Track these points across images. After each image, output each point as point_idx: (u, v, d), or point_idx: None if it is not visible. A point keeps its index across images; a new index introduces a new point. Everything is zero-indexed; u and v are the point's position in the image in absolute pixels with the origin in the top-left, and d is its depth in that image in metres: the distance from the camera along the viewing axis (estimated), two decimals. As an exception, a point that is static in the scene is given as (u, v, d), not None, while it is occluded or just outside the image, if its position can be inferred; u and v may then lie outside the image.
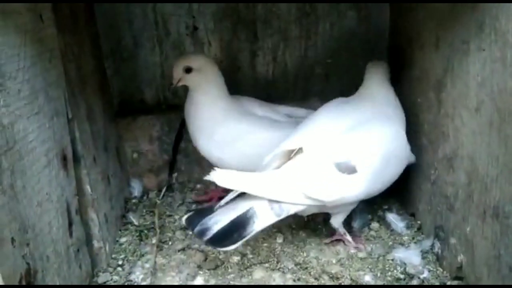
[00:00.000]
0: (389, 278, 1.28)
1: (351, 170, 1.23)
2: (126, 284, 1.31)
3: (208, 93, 1.53)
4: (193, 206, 1.71)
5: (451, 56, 1.17)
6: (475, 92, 1.06)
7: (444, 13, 1.18)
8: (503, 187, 0.97)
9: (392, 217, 1.53)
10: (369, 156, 1.25)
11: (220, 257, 1.39)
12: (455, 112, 1.17)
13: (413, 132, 1.48)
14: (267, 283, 1.28)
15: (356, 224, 1.51)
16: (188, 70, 1.52)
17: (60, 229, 1.11)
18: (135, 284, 1.31)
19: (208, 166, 1.48)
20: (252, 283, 1.29)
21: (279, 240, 1.46)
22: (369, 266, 1.33)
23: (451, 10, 1.14)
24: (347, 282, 1.28)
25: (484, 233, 1.07)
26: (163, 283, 1.30)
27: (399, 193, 1.67)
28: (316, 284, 1.27)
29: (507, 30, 0.90)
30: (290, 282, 1.28)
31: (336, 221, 1.40)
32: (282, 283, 1.28)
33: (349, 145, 1.26)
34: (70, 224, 1.18)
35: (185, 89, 1.60)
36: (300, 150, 1.27)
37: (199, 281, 1.30)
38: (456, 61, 1.14)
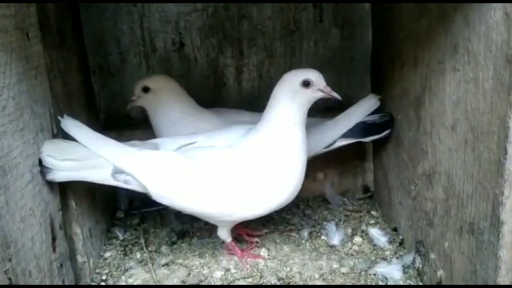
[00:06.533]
0: (370, 293, 1.30)
1: None
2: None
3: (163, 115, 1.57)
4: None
5: (428, 75, 1.20)
6: (451, 111, 1.09)
7: (421, 34, 1.22)
8: (477, 204, 1.00)
9: (375, 232, 1.55)
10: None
11: (204, 272, 1.40)
12: (433, 130, 1.20)
13: (395, 147, 1.51)
14: (250, 298, 1.30)
15: (335, 241, 1.53)
16: (146, 89, 1.56)
17: (43, 244, 1.12)
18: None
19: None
20: (235, 298, 1.30)
21: (263, 254, 1.48)
22: (352, 281, 1.35)
23: (427, 31, 1.18)
24: (329, 296, 1.29)
25: (461, 248, 1.09)
26: (146, 298, 1.31)
27: (382, 208, 1.70)
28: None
29: (478, 52, 0.94)
30: (272, 297, 1.30)
31: (221, 233, 1.43)
32: (264, 298, 1.29)
33: None
34: (54, 239, 1.19)
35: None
36: None
37: (182, 296, 1.31)
38: (433, 80, 1.17)
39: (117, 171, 1.25)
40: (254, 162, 1.28)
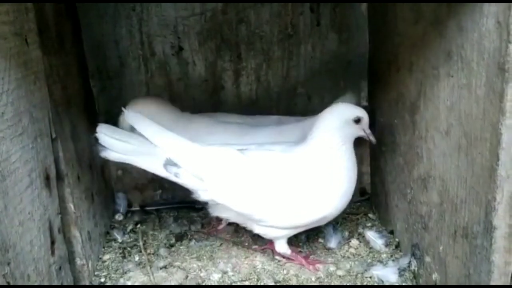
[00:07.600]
0: (366, 296, 1.31)
1: None
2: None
3: None
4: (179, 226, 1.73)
5: (423, 80, 1.21)
6: (445, 116, 1.10)
7: (416, 39, 1.23)
8: (471, 208, 1.01)
9: (371, 235, 1.56)
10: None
11: (201, 274, 1.41)
12: (428, 135, 1.21)
13: (391, 151, 1.52)
14: (246, 301, 1.31)
15: (332, 244, 1.54)
16: None
17: (42, 248, 1.13)
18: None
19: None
20: (232, 301, 1.31)
21: (260, 257, 1.49)
22: (348, 284, 1.36)
23: (422, 37, 1.19)
24: (325, 299, 1.30)
25: (455, 252, 1.10)
26: (144, 301, 1.32)
27: (379, 211, 1.71)
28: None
29: (471, 59, 0.95)
30: (269, 300, 1.31)
31: (279, 246, 1.44)
32: (261, 301, 1.30)
33: None
34: (53, 243, 1.20)
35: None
36: None
37: (179, 298, 1.32)
38: (428, 86, 1.18)
39: (169, 163, 1.28)
40: (311, 171, 1.35)
